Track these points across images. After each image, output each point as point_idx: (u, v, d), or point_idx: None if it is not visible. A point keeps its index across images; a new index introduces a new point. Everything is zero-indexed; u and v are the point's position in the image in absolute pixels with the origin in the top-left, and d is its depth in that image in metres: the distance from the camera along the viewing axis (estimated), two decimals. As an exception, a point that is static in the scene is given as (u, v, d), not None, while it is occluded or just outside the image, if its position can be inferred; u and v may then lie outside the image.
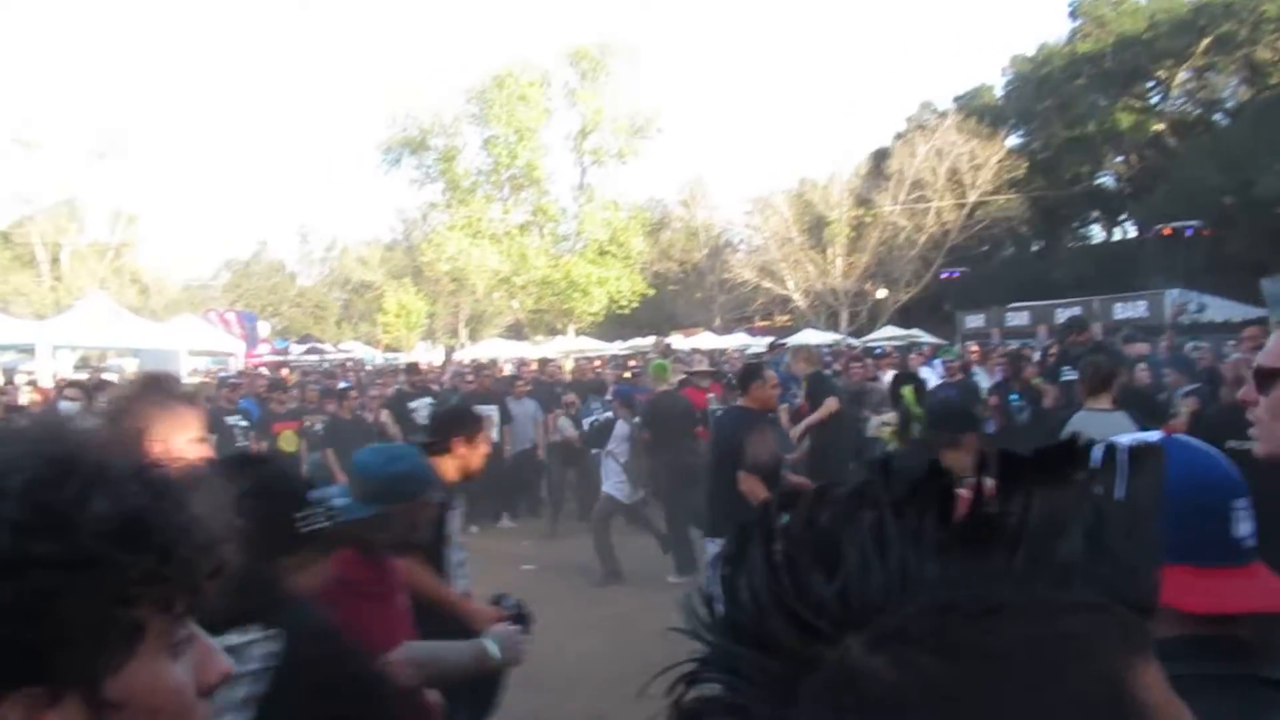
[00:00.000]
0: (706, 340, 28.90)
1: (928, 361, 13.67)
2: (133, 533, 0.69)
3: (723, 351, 22.56)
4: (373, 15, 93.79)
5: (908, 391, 6.66)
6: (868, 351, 18.10)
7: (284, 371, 18.80)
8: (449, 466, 3.85)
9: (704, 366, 12.64)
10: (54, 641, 0.65)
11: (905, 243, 34.42)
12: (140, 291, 44.58)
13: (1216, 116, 34.79)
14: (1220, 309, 21.00)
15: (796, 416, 9.22)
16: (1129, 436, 1.12)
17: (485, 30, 77.42)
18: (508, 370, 17.70)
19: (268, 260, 56.98)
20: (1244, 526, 1.13)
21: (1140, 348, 10.62)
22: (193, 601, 0.74)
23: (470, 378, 12.53)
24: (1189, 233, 23.73)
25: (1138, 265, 27.46)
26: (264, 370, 18.13)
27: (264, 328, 33.74)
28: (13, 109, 38.10)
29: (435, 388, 13.03)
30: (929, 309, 33.88)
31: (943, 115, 37.13)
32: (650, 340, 24.28)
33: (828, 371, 12.76)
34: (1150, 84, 35.65)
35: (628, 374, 14.82)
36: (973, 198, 33.14)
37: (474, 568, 4.24)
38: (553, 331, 35.56)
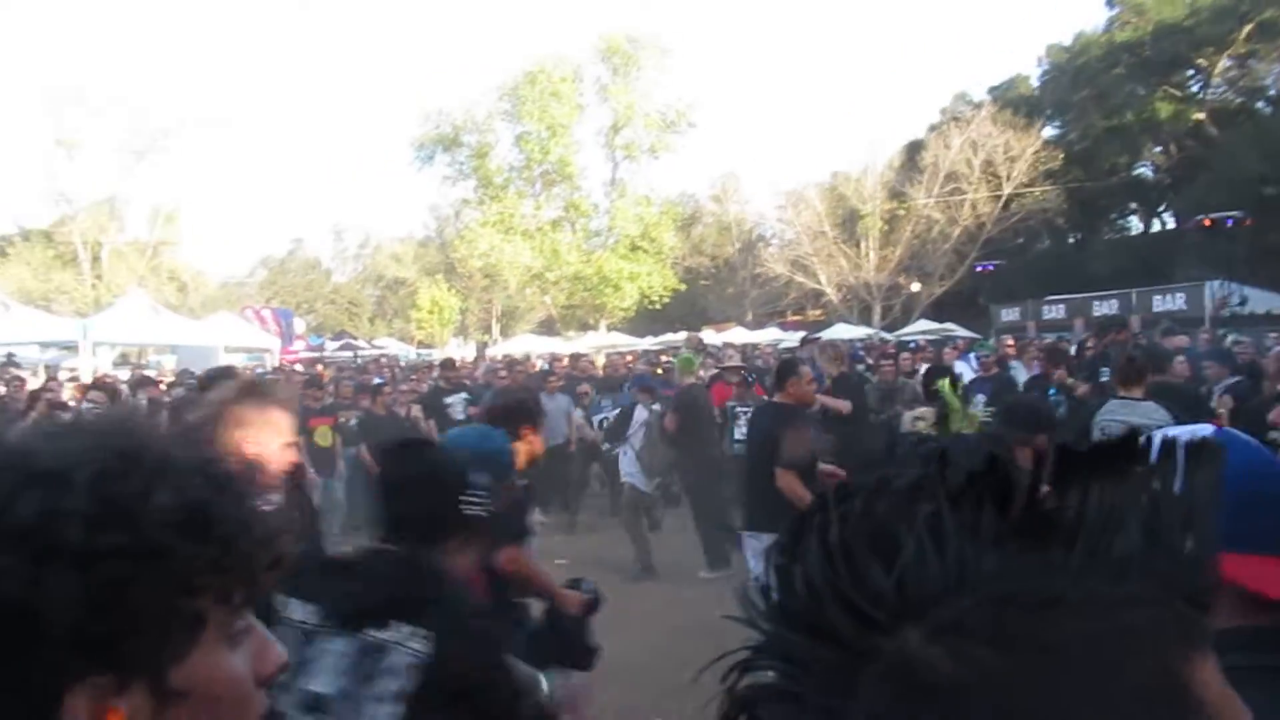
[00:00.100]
0: (738, 335, 28.84)
1: (962, 356, 13.55)
2: (196, 525, 0.70)
3: (755, 346, 22.51)
4: (406, 13, 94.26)
5: (944, 384, 6.63)
6: (902, 346, 17.98)
7: (319, 368, 18.99)
8: (519, 453, 3.91)
9: (735, 362, 12.62)
10: (121, 631, 0.67)
11: (939, 236, 34.12)
12: (179, 289, 45.28)
13: (1259, 105, 34.20)
14: (1261, 301, 20.66)
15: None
16: (1183, 430, 1.13)
17: (518, 25, 77.63)
18: (540, 366, 17.77)
19: (303, 257, 57.59)
20: None
21: (1179, 341, 10.50)
22: (251, 593, 0.76)
23: (503, 373, 12.60)
24: (1229, 223, 23.27)
25: (1177, 257, 27.09)
26: (299, 367, 18.32)
27: (299, 324, 34.10)
28: (54, 109, 38.58)
29: (468, 383, 13.12)
30: (963, 303, 33.58)
31: (977, 106, 36.75)
32: (682, 335, 24.24)
33: (861, 367, 12.69)
34: (1190, 72, 35.09)
35: (659, 370, 14.83)
36: (1008, 190, 32.77)
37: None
38: (584, 327, 35.63)
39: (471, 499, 2.10)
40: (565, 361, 17.95)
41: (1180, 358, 8.75)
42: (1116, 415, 5.37)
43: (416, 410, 11.38)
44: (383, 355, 27.40)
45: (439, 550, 2.00)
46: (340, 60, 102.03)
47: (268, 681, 0.79)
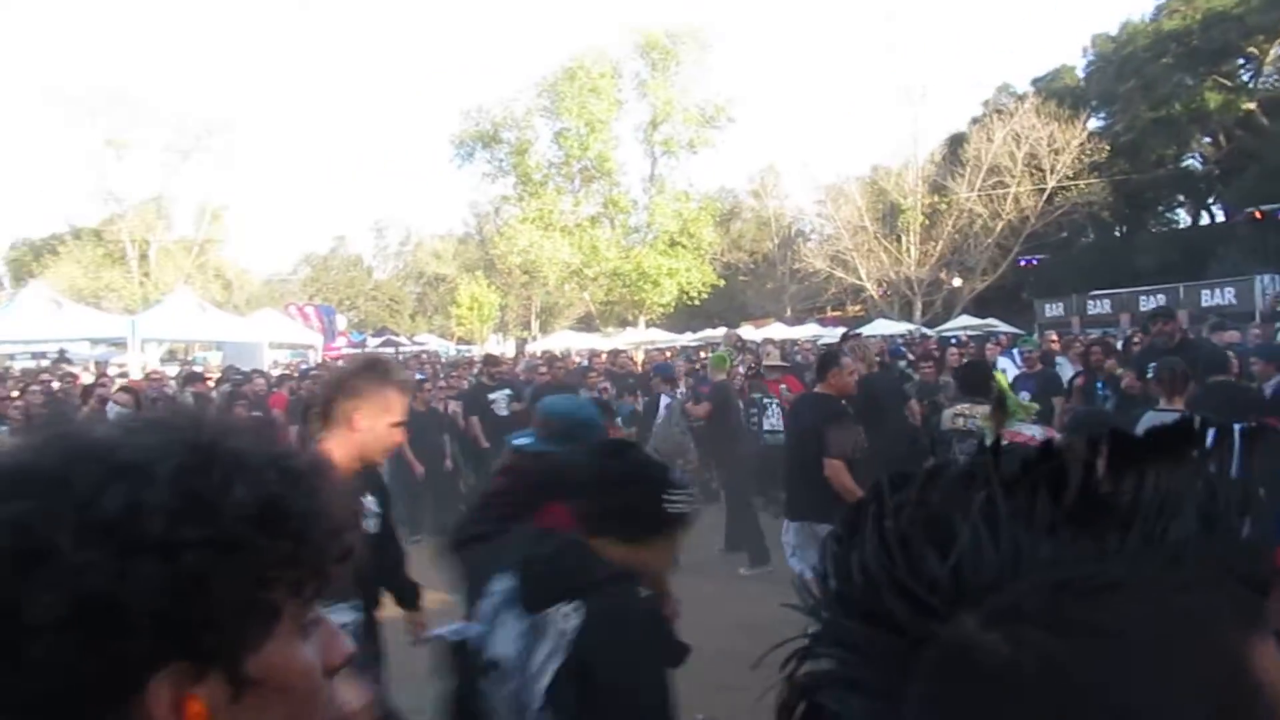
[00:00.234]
0: (777, 331, 28.73)
1: (1005, 351, 13.39)
2: (271, 518, 0.72)
3: (794, 342, 22.42)
4: (446, 11, 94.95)
5: (1001, 378, 6.64)
6: (943, 342, 17.81)
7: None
8: None
9: (776, 360, 12.58)
10: (201, 621, 0.69)
11: (981, 230, 33.72)
12: (224, 286, 45.98)
13: (1312, 94, 33.43)
14: (1315, 295, 20.20)
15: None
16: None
17: (557, 21, 77.79)
18: (578, 362, 17.83)
19: (345, 255, 58.24)
20: None
21: (1229, 335, 10.30)
22: (321, 585, 0.78)
23: (543, 369, 12.66)
24: (1281, 215, 22.81)
25: (1226, 250, 26.56)
26: (342, 363, 18.50)
27: (341, 321, 34.48)
28: (103, 111, 39.34)
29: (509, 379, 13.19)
30: (1006, 298, 33.20)
31: (1021, 98, 36.22)
32: (720, 331, 24.20)
33: (902, 363, 12.56)
34: (1240, 61, 34.37)
35: (698, 366, 14.84)
36: (1052, 183, 32.28)
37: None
38: (623, 323, 35.67)
39: (674, 498, 2.18)
40: (604, 357, 18.02)
41: (1229, 354, 8.58)
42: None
43: (456, 406, 11.45)
44: (423, 351, 27.64)
45: (640, 545, 2.11)
46: (381, 59, 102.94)
47: (335, 671, 0.81)
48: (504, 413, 10.82)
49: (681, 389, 11.33)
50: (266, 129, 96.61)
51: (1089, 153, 32.05)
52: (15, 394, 10.52)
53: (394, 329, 43.76)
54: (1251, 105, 33.85)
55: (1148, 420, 5.47)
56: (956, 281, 34.56)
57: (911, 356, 13.26)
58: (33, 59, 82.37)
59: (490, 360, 13.49)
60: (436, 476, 10.74)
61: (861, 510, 0.47)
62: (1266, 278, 21.11)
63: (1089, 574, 0.41)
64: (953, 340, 18.52)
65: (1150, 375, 7.52)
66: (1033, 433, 5.14)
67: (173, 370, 17.97)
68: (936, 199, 35.23)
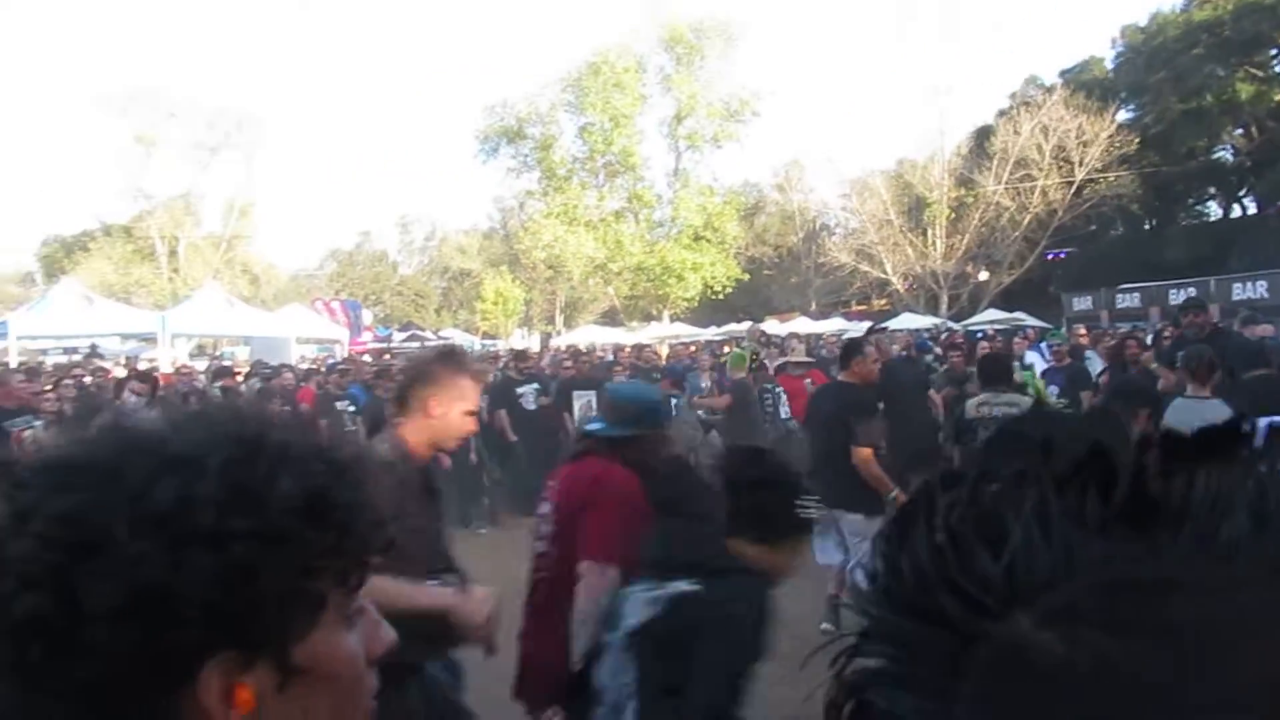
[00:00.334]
0: (802, 325, 28.63)
1: (1033, 345, 13.30)
2: (316, 510, 0.74)
3: (819, 336, 22.33)
4: (469, 6, 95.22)
5: (1030, 376, 6.75)
6: (970, 336, 17.69)
7: (386, 358, 19.29)
8: None
9: (801, 355, 12.56)
10: (250, 610, 0.71)
11: (1009, 223, 33.41)
12: (251, 282, 46.35)
13: (1346, 84, 32.89)
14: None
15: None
16: None
17: (580, 15, 77.75)
18: (601, 357, 17.86)
19: (370, 250, 58.51)
20: None
21: (1262, 329, 10.13)
22: (364, 575, 0.79)
23: (568, 363, 12.70)
24: (1315, 208, 22.48)
25: (1258, 243, 26.23)
26: (368, 358, 18.65)
27: (367, 316, 34.74)
28: (133, 109, 39.76)
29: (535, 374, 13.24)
30: (1034, 291, 32.90)
31: (1049, 90, 35.83)
32: (745, 325, 24.14)
33: (929, 357, 12.50)
34: (1273, 52, 33.80)
35: (722, 359, 14.84)
36: (1081, 175, 31.92)
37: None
38: (648, 317, 35.65)
39: (805, 504, 2.36)
40: (628, 351, 18.03)
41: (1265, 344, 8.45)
42: (1183, 414, 5.29)
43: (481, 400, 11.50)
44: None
45: (769, 546, 2.31)
46: (406, 55, 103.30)
47: (377, 660, 0.83)
48: (532, 406, 10.90)
49: (705, 383, 11.35)
50: (293, 125, 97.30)
51: (1118, 145, 31.65)
52: (48, 388, 10.65)
53: (419, 324, 43.97)
54: (1284, 96, 33.36)
55: (1178, 407, 5.48)
56: (983, 275, 34.29)
57: (939, 351, 13.18)
58: (64, 57, 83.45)
59: (518, 355, 13.55)
60: (462, 469, 10.80)
61: (912, 508, 0.47)
62: (1300, 271, 20.83)
63: (1143, 574, 0.41)
64: (979, 334, 18.41)
65: (1178, 364, 7.44)
66: None
67: (202, 365, 18.18)
68: (963, 192, 34.94)
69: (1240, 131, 35.53)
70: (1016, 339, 14.82)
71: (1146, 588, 0.41)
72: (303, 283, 53.14)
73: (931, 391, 9.41)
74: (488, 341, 35.09)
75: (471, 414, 3.08)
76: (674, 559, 2.32)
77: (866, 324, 21.13)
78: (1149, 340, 11.18)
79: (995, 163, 33.46)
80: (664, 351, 18.28)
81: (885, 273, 35.22)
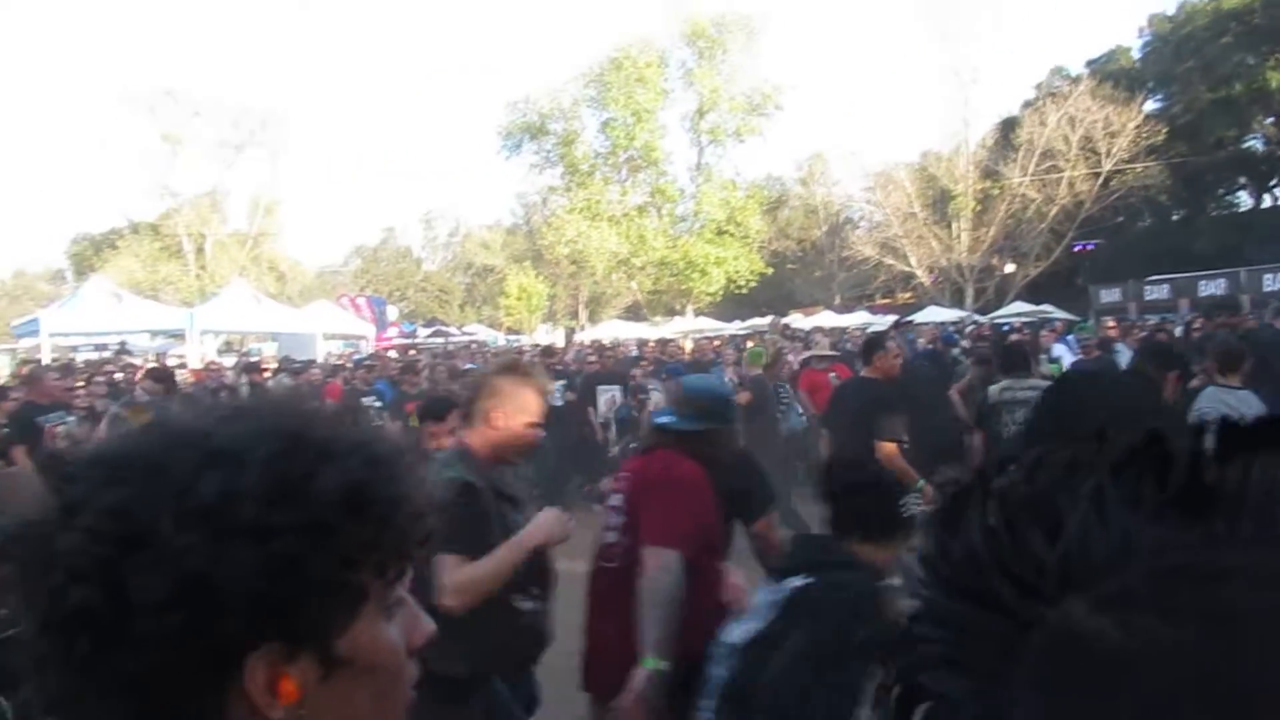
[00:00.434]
0: (827, 319, 28.49)
1: (1061, 338, 13.19)
2: (357, 503, 0.75)
3: (844, 330, 22.24)
4: (492, 2, 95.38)
5: (1056, 369, 6.76)
6: (996, 329, 17.57)
7: (412, 353, 19.39)
8: None
9: (824, 349, 12.51)
10: (293, 602, 0.72)
11: (1035, 215, 33.10)
12: (277, 278, 46.70)
13: (1380, 71, 32.33)
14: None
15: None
16: None
17: (603, 10, 77.76)
18: (631, 351, 17.87)
19: (395, 246, 58.80)
20: None
21: (1294, 322, 10.02)
22: (404, 568, 0.80)
23: (593, 358, 12.72)
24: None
25: (1291, 234, 25.83)
26: (393, 353, 18.76)
27: (392, 311, 34.93)
28: (159, 107, 40.13)
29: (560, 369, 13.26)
30: (1060, 284, 32.58)
31: (1075, 81, 35.48)
32: (768, 320, 24.08)
33: (955, 350, 12.44)
34: (1305, 39, 33.35)
35: (744, 353, 14.82)
36: (1108, 166, 31.57)
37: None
38: (671, 312, 35.65)
39: (911, 503, 2.62)
40: (652, 346, 18.03)
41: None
42: (1214, 402, 5.28)
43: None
44: (473, 341, 27.81)
45: (877, 544, 2.46)
46: (429, 52, 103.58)
47: (416, 652, 0.84)
48: (559, 402, 10.94)
49: (729, 376, 11.38)
50: (317, 123, 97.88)
51: (1146, 135, 31.25)
52: (80, 384, 10.80)
53: (444, 319, 44.11)
54: (1316, 84, 32.85)
55: (1209, 396, 5.49)
56: (1009, 267, 33.99)
57: (965, 344, 13.11)
58: (92, 58, 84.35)
59: (546, 351, 13.59)
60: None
61: (965, 493, 0.47)
62: (1332, 261, 20.53)
63: (1199, 561, 0.41)
64: (1005, 327, 18.27)
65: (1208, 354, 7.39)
66: None
67: (229, 361, 18.34)
68: (988, 184, 34.64)
69: (1271, 120, 35.03)
70: (1044, 331, 14.71)
71: (1203, 575, 0.41)
72: (328, 279, 53.52)
73: (951, 391, 9.37)
74: (512, 337, 35.18)
75: (535, 425, 3.11)
76: (792, 560, 2.52)
77: (891, 318, 21.05)
78: (1179, 332, 11.08)
79: (1021, 154, 33.16)
80: (688, 346, 18.26)
81: (910, 266, 35.01)
